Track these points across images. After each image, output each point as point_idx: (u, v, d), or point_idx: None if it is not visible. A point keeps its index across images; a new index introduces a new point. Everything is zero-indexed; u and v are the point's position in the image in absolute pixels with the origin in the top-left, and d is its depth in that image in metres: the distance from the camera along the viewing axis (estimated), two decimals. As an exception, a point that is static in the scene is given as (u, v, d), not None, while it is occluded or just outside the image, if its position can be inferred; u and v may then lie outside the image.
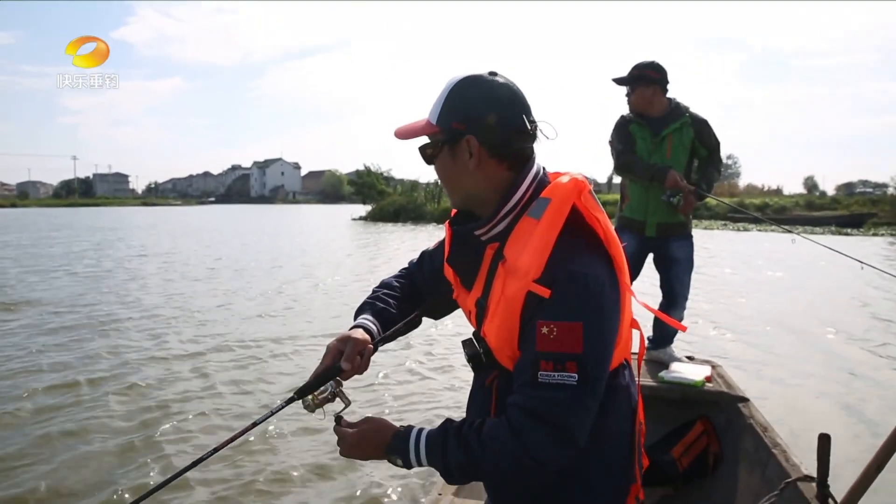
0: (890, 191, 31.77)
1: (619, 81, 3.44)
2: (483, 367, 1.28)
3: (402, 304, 1.48)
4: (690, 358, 3.29)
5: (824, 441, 1.80)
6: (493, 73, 1.22)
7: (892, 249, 16.32)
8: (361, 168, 42.71)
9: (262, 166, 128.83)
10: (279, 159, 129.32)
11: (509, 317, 1.16)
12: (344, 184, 69.60)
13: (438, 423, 1.23)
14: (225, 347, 6.02)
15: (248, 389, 4.80)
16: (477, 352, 1.26)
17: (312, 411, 1.28)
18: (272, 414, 1.30)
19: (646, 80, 3.35)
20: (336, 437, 1.27)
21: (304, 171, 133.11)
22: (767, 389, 4.70)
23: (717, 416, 2.69)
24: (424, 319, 1.51)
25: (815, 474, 1.82)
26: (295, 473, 3.42)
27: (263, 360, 5.62)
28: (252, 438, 3.73)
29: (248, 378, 5.08)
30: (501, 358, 1.22)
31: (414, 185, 38.65)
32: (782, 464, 2.13)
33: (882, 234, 17.06)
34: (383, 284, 1.53)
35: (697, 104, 3.49)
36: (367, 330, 1.37)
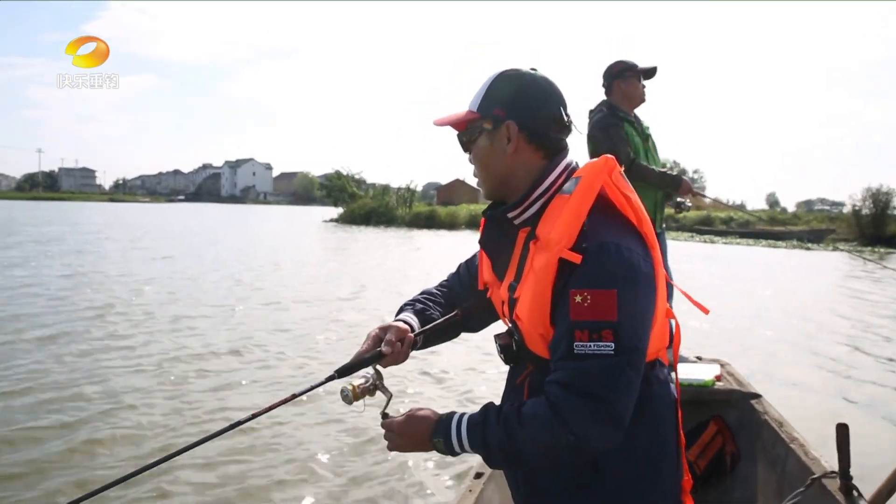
0: (846, 209, 32.97)
1: (650, 72, 3.32)
2: (516, 359, 1.26)
3: (443, 308, 1.46)
4: (699, 358, 3.27)
5: (843, 431, 1.76)
6: (533, 69, 1.26)
7: (856, 263, 17.12)
8: (332, 171, 42.30)
9: (234, 166, 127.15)
10: (251, 159, 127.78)
11: (541, 289, 1.14)
12: (315, 186, 69.02)
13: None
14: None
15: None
16: (509, 342, 1.24)
17: (350, 403, 1.22)
18: (312, 388, 1.27)
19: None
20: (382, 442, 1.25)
21: (275, 173, 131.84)
22: (776, 386, 4.85)
23: (730, 414, 2.66)
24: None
25: (836, 468, 1.79)
26: (321, 462, 3.48)
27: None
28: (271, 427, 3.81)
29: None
30: (534, 343, 1.19)
31: (385, 188, 38.57)
32: (802, 458, 2.09)
33: (841, 250, 17.86)
34: (423, 292, 1.52)
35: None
36: (407, 323, 1.36)
